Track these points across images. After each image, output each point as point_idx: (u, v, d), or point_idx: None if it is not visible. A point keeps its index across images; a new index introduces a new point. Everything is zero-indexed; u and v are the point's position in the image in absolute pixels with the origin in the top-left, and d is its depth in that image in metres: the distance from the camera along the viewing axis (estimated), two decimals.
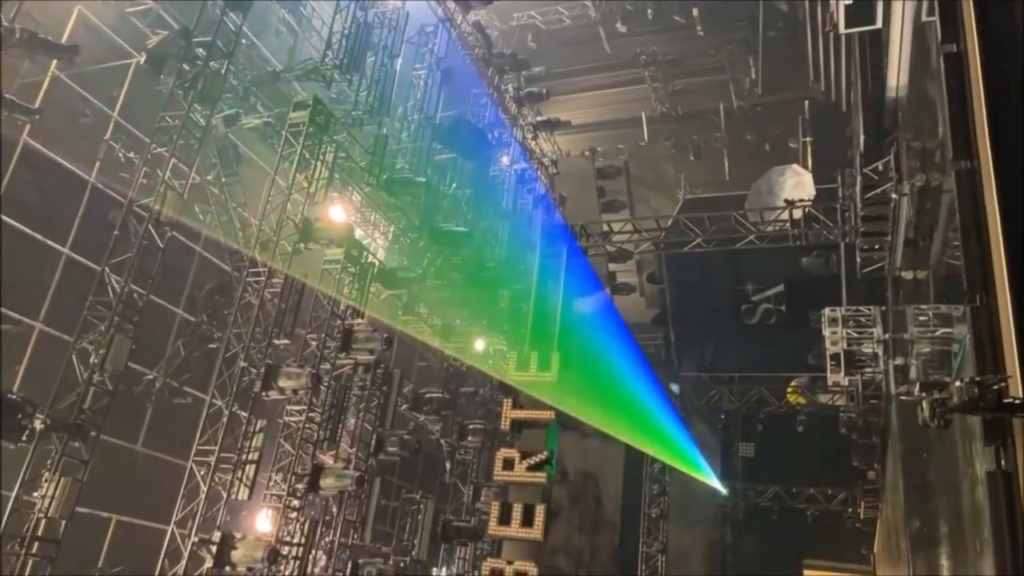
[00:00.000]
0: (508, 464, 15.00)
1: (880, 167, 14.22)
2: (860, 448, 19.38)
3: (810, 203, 17.34)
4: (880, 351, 14.77)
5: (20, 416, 10.20)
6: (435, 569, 19.06)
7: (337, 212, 14.63)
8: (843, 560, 21.65)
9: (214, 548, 11.53)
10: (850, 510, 21.98)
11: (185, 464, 12.23)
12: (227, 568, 11.65)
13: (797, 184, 17.99)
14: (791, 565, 22.48)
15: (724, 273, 21.64)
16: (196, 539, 11.52)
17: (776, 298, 21.56)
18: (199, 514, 11.65)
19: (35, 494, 10.40)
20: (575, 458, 23.54)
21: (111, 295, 11.34)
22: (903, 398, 11.87)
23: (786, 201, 17.58)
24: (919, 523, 9.90)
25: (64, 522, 10.46)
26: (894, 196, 13.87)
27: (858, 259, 16.04)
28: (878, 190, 14.44)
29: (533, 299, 19.00)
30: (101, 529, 13.23)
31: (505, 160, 20.37)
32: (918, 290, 12.52)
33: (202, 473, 11.97)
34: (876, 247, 15.57)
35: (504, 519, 14.34)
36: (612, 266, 22.06)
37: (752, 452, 24.37)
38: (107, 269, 11.45)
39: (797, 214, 17.20)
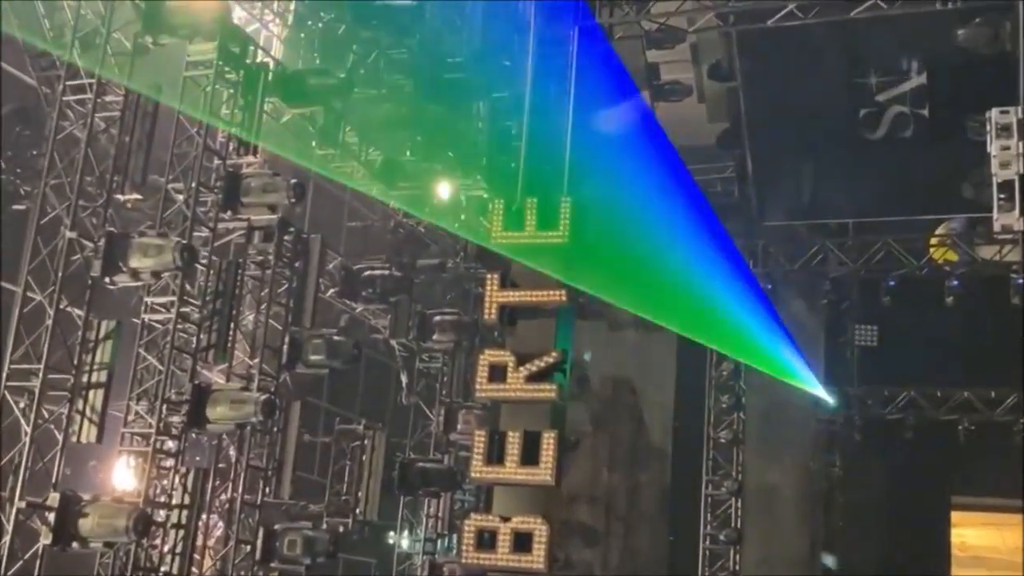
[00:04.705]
0: (498, 373, 15.26)
1: None
2: None
3: None
4: None
5: None
6: (392, 533, 19.86)
7: None
8: (1013, 495, 22.59)
9: (51, 516, 11.91)
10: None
11: None
12: (74, 544, 12.11)
13: None
14: (934, 504, 23.52)
15: (832, 60, 21.36)
16: (23, 504, 11.88)
17: (914, 96, 21.40)
18: (24, 467, 11.97)
19: None
20: (602, 360, 24.05)
21: None
22: None
23: None
24: None
25: None
26: None
27: None
28: None
29: (527, 114, 18.75)
30: None
31: None
32: None
33: (22, 405, 12.23)
34: None
35: (495, 455, 14.76)
36: (653, 55, 21.67)
37: (874, 339, 24.91)
38: None
39: None
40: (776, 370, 22.28)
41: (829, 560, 23.96)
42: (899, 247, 22.10)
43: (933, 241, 22.08)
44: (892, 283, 22.31)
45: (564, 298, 15.60)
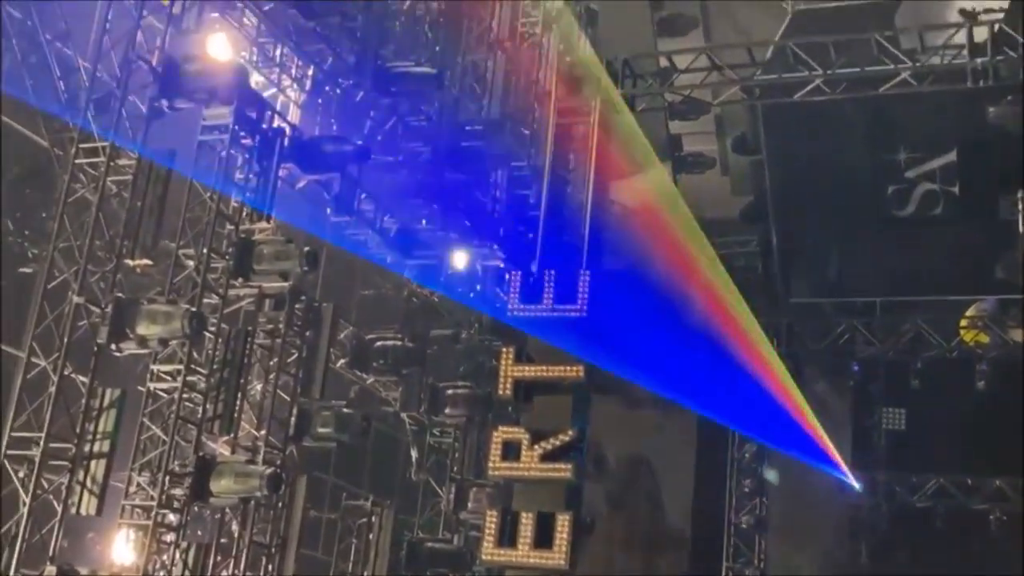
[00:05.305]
0: (511, 450, 15.31)
1: None
2: None
3: (1003, 15, 17.10)
4: None
5: None
6: None
7: (220, 46, 14.46)
8: None
9: None
10: None
11: None
12: None
13: None
14: None
15: (859, 134, 21.52)
16: None
17: (944, 174, 21.51)
18: (20, 538, 11.94)
19: None
20: (619, 439, 23.96)
21: None
22: None
23: (962, 13, 17.34)
24: None
25: None
26: None
27: None
28: None
29: (546, 184, 18.98)
30: None
31: None
32: None
33: (21, 474, 12.22)
34: None
35: (507, 537, 14.73)
36: (675, 126, 21.91)
37: (902, 423, 24.75)
38: None
39: (981, 34, 16.99)
40: (800, 453, 22.15)
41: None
42: (928, 328, 22.07)
43: (963, 323, 22.05)
44: (921, 366, 22.24)
45: (581, 374, 15.66)
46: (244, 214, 14.42)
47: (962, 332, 21.97)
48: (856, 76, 17.70)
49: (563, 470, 14.92)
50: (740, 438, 23.35)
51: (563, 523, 14.60)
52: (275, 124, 15.24)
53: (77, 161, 13.32)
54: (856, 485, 23.69)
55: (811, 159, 22.10)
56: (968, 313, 22.15)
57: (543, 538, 14.52)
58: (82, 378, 12.60)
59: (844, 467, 23.17)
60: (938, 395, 22.77)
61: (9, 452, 12.33)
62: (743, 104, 20.56)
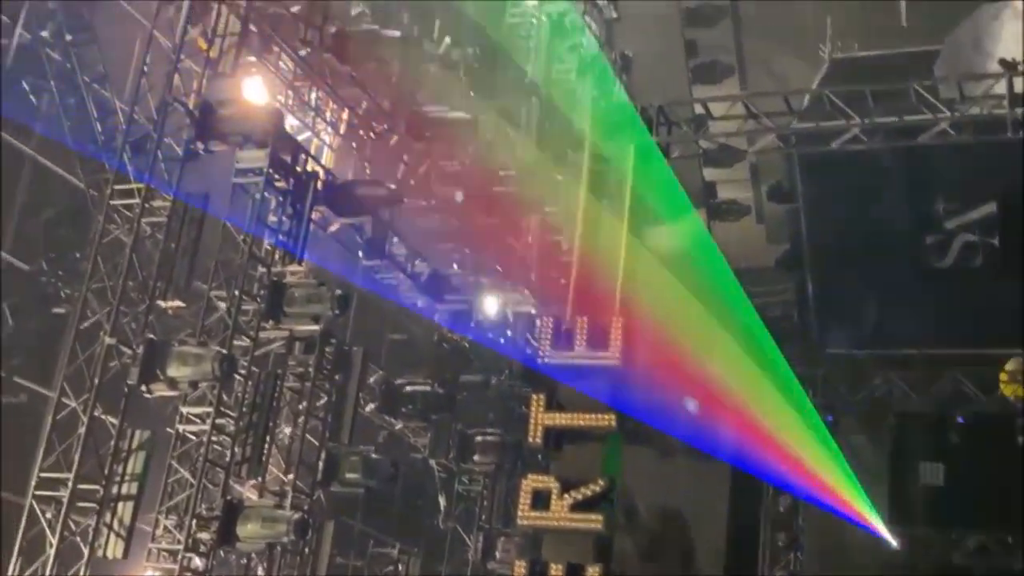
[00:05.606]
0: (541, 499, 15.20)
1: None
2: None
3: None
4: None
5: None
6: None
7: (256, 89, 14.65)
8: None
9: None
10: None
11: (22, 501, 12.58)
12: None
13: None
14: None
15: (897, 184, 21.48)
16: None
17: (984, 225, 21.42)
18: None
19: None
20: (651, 489, 23.82)
21: None
22: None
23: (1002, 63, 17.34)
24: None
25: None
26: None
27: None
28: None
29: (579, 229, 19.02)
30: None
31: None
32: None
33: (48, 515, 12.31)
34: None
35: None
36: (710, 173, 21.97)
37: (941, 478, 24.44)
38: None
39: (1021, 84, 16.98)
40: (836, 508, 21.94)
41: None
42: (967, 382, 21.89)
43: (1003, 377, 21.83)
44: (961, 420, 22.03)
45: (613, 423, 15.56)
46: (276, 257, 14.57)
47: (1002, 386, 21.75)
48: (894, 125, 17.68)
49: (594, 520, 14.78)
50: (774, 491, 23.13)
51: (593, 575, 14.48)
52: (309, 167, 15.43)
53: (112, 202, 13.54)
54: (893, 541, 23.42)
55: (848, 208, 22.06)
56: (1008, 367, 21.91)
57: None
58: (112, 419, 12.72)
59: (881, 523, 22.93)
60: (978, 450, 22.49)
61: (37, 493, 12.43)
62: (779, 152, 20.59)
